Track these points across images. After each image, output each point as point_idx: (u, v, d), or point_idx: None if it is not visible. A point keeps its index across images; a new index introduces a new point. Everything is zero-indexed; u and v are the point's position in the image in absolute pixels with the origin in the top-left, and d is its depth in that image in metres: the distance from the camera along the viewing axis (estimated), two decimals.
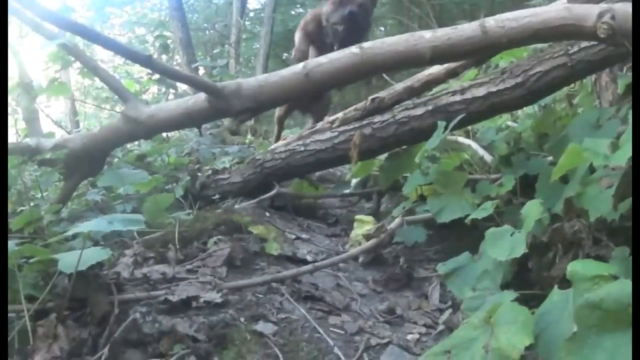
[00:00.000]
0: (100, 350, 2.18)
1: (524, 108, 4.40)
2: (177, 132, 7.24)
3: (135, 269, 2.79)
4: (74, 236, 2.66)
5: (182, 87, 8.80)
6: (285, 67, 3.50)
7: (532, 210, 2.68)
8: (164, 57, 10.75)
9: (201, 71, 11.59)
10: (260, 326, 2.35)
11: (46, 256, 2.33)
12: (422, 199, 3.74)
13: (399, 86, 4.34)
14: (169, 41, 11.42)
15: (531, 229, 2.64)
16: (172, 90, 8.88)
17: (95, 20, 16.85)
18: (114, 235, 3.18)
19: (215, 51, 13.13)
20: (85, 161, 3.84)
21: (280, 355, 2.17)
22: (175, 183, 4.50)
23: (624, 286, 2.03)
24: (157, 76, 7.69)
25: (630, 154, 2.39)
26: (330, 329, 2.55)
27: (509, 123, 4.83)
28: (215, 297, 2.49)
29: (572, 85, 4.43)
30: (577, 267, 2.32)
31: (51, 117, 7.37)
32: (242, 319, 2.37)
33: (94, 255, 2.30)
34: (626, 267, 2.39)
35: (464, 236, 3.20)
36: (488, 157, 4.03)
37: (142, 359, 2.20)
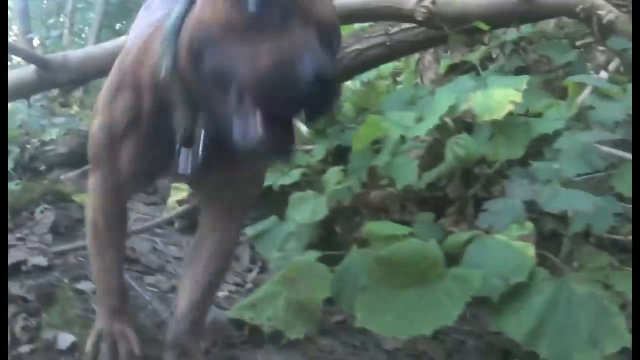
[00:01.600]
0: None
1: (348, 83, 4.58)
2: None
3: None
4: None
5: (16, 58, 8.70)
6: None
7: (333, 176, 2.96)
8: None
9: (36, 42, 11.40)
10: (82, 285, 2.58)
11: None
12: None
13: None
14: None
15: (332, 193, 2.93)
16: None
17: None
18: None
19: (50, 21, 12.89)
20: None
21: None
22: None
23: (414, 244, 2.35)
24: None
25: (432, 125, 2.70)
26: (146, 287, 2.79)
27: None
28: (42, 261, 2.70)
29: (397, 62, 4.62)
30: (373, 227, 2.65)
31: None
32: (66, 280, 2.59)
33: None
34: (428, 230, 2.69)
35: (274, 204, 3.27)
36: (304, 129, 4.28)
37: None
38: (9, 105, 6.93)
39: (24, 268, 2.67)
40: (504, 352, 2.31)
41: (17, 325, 2.29)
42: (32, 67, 3.67)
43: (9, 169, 4.30)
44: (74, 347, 2.14)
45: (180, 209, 3.62)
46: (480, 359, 2.32)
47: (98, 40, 11.86)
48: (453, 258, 2.28)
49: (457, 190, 2.90)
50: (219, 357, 2.32)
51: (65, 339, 2.17)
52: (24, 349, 2.18)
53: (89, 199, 2.04)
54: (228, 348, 2.38)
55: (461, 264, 2.22)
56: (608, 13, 3.00)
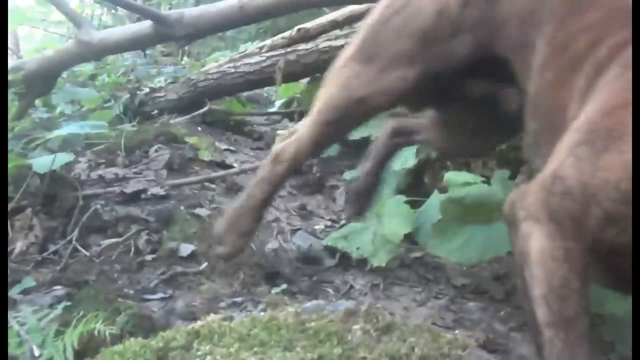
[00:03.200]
0: (68, 236, 2.74)
1: None
2: None
3: (91, 172, 3.33)
4: (37, 146, 3.07)
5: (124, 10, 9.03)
6: None
7: None
8: None
9: None
10: (198, 211, 2.93)
11: (20, 162, 2.79)
12: None
13: (323, 19, 4.66)
14: None
15: (422, 147, 3.21)
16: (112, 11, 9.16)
17: None
18: (67, 146, 3.44)
19: None
20: (39, 81, 4.30)
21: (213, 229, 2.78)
22: (114, 101, 4.92)
23: (484, 188, 2.68)
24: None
25: None
26: None
27: None
28: (160, 191, 3.07)
29: None
30: (452, 175, 2.94)
31: None
32: (182, 207, 2.94)
33: (61, 158, 2.82)
34: (503, 184, 2.91)
35: None
36: None
37: (103, 240, 2.77)
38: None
39: (143, 196, 3.05)
40: None
41: (140, 240, 2.67)
42: (148, 22, 4.02)
43: (119, 112, 4.63)
44: (194, 255, 2.52)
45: None
46: None
47: None
48: None
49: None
50: (315, 277, 2.70)
51: (186, 248, 2.56)
52: (147, 257, 2.57)
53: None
54: (322, 270, 2.79)
55: None
56: None
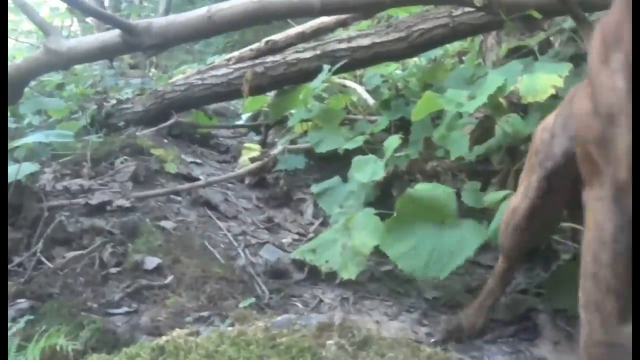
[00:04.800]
0: (33, 248, 2.68)
1: (415, 59, 4.84)
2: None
3: (56, 183, 3.29)
4: None
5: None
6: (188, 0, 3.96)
7: (391, 143, 3.21)
8: None
9: (106, 2, 11.71)
10: (163, 223, 2.91)
11: None
12: (306, 133, 4.14)
13: (291, 31, 4.73)
14: None
15: (390, 158, 3.18)
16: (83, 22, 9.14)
17: None
18: (33, 156, 3.43)
19: None
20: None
21: (178, 242, 2.75)
22: (82, 112, 4.89)
23: (442, 190, 2.70)
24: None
25: (480, 103, 2.95)
26: (219, 230, 3.13)
27: (398, 72, 5.10)
28: (125, 203, 3.03)
29: (464, 42, 4.80)
30: (421, 187, 2.93)
31: None
32: (147, 220, 2.91)
33: (26, 168, 2.78)
34: (474, 196, 2.94)
35: (339, 168, 3.48)
36: (371, 101, 4.51)
37: (68, 252, 2.70)
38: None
39: (108, 208, 3.01)
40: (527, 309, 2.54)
41: (105, 252, 2.62)
42: (116, 32, 3.98)
43: (86, 124, 4.58)
44: (159, 268, 2.48)
45: (252, 165, 3.90)
46: (507, 313, 2.54)
47: (169, 3, 12.01)
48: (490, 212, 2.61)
49: (502, 163, 3.14)
50: (283, 291, 2.67)
51: (152, 261, 2.52)
52: (112, 270, 2.52)
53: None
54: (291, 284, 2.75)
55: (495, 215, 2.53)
56: None
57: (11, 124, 4.36)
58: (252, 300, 2.45)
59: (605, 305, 1.48)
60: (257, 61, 4.58)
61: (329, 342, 1.57)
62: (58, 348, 1.77)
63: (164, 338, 1.68)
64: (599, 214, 1.52)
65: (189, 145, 4.70)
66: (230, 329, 1.76)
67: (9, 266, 2.59)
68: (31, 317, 2.14)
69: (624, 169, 1.41)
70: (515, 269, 2.42)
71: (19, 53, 6.72)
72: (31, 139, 2.85)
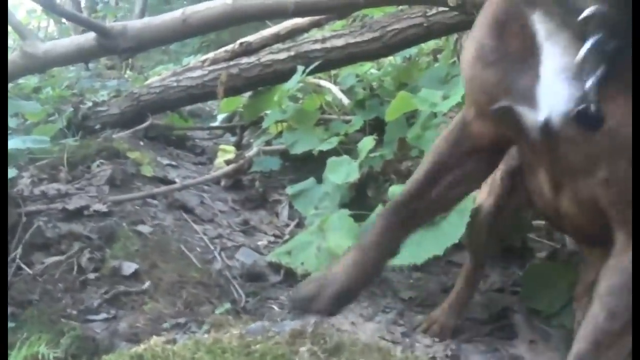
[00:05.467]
0: (12, 253, 2.68)
1: (390, 58, 4.87)
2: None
3: (33, 187, 3.30)
4: None
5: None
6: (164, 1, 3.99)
7: (366, 144, 3.25)
8: None
9: (83, 2, 11.67)
10: (140, 227, 2.94)
11: None
12: (282, 134, 4.16)
13: (266, 32, 4.74)
14: None
15: (364, 159, 3.22)
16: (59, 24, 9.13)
17: None
18: (10, 161, 3.41)
19: None
20: None
21: (155, 246, 2.79)
22: (58, 114, 4.89)
23: None
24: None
25: (454, 102, 2.98)
26: (195, 234, 3.16)
27: (373, 71, 5.15)
28: (102, 207, 3.04)
29: (439, 41, 4.82)
30: (396, 189, 2.96)
31: None
32: (124, 224, 2.93)
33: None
34: None
35: (314, 169, 3.53)
36: (346, 100, 4.53)
37: (47, 257, 2.72)
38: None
39: (85, 212, 3.02)
40: (503, 308, 2.60)
41: (83, 258, 2.65)
42: (92, 35, 4.01)
43: (62, 127, 4.60)
44: (137, 273, 2.52)
45: (228, 168, 3.91)
46: (483, 311, 2.60)
47: (145, 3, 11.97)
48: None
49: None
50: (260, 294, 2.71)
51: (129, 267, 2.55)
52: (90, 276, 2.56)
53: None
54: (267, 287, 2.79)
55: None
56: None
57: None
58: (228, 305, 2.49)
59: None
60: (231, 63, 4.59)
61: (302, 349, 1.61)
62: (40, 357, 1.80)
63: (142, 346, 1.71)
64: None
65: (165, 148, 4.70)
66: (206, 336, 1.80)
67: None
68: (12, 324, 2.17)
69: None
70: (483, 268, 2.46)
71: None
72: (9, 144, 2.86)
